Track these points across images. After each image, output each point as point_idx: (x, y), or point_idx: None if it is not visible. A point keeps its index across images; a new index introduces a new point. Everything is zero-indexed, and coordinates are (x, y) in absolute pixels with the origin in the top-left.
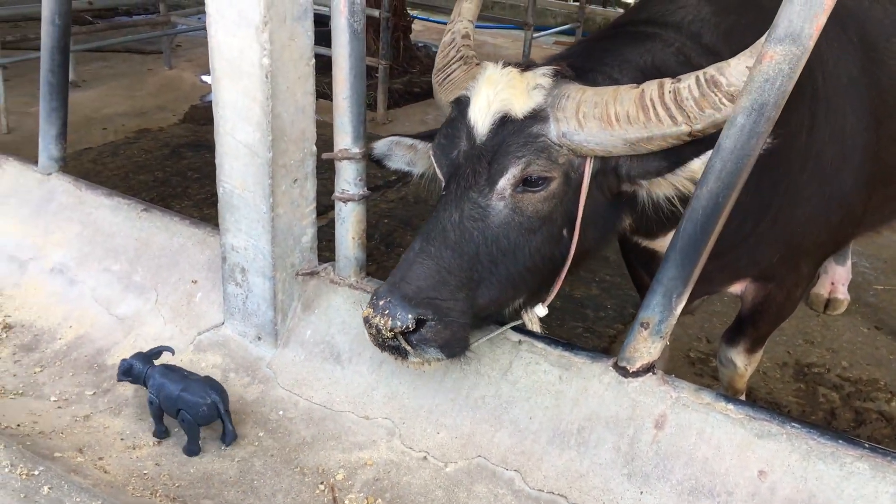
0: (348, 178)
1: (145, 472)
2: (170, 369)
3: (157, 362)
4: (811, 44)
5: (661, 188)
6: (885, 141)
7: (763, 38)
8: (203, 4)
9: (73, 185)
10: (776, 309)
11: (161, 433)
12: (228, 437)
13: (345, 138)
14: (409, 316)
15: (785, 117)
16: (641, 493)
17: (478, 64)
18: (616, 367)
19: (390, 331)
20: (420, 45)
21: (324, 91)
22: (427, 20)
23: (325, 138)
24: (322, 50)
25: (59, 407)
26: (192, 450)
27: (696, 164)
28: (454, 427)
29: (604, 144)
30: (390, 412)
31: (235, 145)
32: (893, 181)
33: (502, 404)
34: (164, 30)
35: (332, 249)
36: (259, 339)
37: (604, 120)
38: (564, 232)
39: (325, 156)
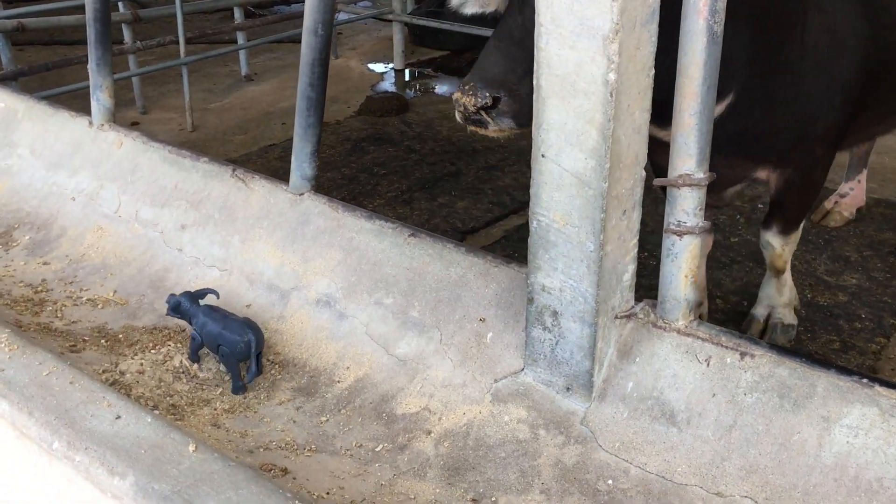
0: (687, 208)
1: None
2: (213, 310)
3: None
4: None
5: None
6: (880, 30)
7: None
8: None
9: (329, 207)
10: (797, 192)
11: (195, 359)
12: (250, 376)
13: (687, 161)
14: (488, 94)
15: (782, 12)
16: None
17: None
18: None
19: (474, 106)
20: None
21: None
22: None
23: None
24: None
25: (359, 467)
26: (238, 386)
27: None
28: None
29: None
30: (750, 490)
31: (560, 173)
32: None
33: None
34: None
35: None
36: (568, 390)
37: None
38: None
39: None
